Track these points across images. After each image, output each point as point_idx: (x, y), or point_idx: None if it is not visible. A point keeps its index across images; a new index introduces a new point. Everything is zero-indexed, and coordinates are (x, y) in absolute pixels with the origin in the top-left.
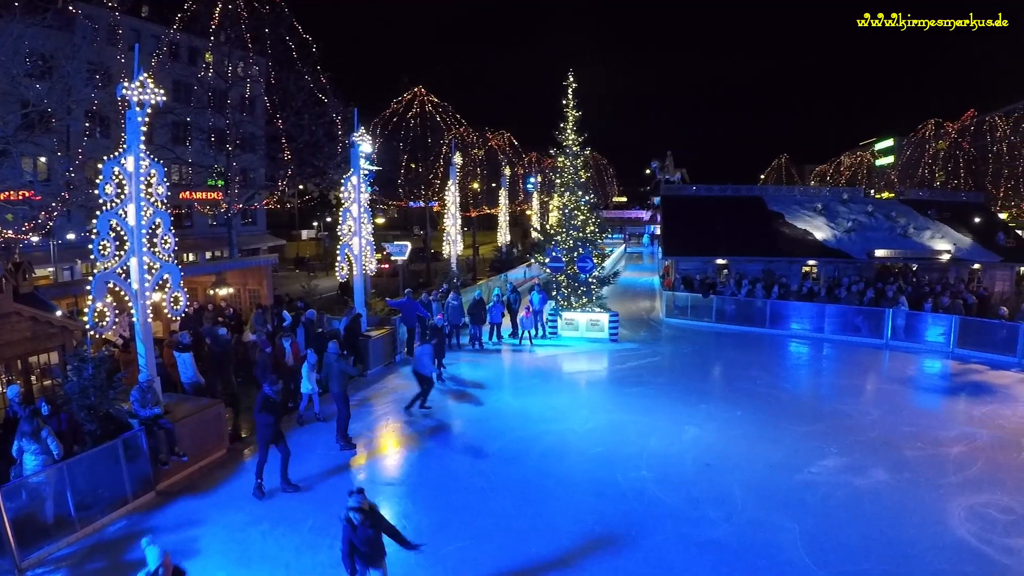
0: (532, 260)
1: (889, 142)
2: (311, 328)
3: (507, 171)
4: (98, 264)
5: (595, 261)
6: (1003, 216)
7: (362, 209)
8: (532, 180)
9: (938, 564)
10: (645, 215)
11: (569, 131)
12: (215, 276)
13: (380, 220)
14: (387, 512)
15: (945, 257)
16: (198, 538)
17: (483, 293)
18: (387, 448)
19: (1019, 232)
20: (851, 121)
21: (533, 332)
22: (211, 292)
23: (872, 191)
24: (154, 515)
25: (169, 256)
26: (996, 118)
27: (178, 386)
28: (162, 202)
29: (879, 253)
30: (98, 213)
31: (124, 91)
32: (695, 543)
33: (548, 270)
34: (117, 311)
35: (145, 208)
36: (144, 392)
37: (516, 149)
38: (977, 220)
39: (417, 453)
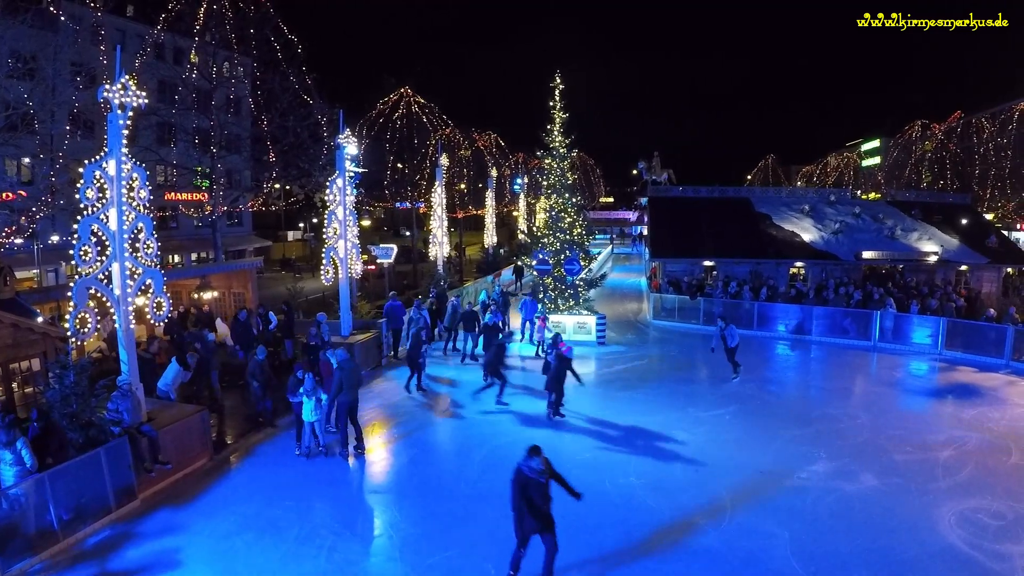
0: (518, 262)
1: (875, 143)
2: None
3: (494, 172)
4: (80, 269)
5: (582, 263)
6: (989, 217)
7: (348, 212)
8: (519, 181)
9: (928, 571)
10: (632, 216)
11: (556, 132)
12: (199, 279)
13: (366, 222)
14: (374, 521)
15: (932, 259)
16: (182, 547)
17: (462, 299)
18: (372, 455)
19: (1004, 233)
20: (836, 122)
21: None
22: (195, 295)
23: (859, 192)
24: (138, 524)
25: (152, 261)
26: (982, 120)
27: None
28: (144, 206)
29: (867, 255)
30: (79, 217)
31: (105, 93)
32: (684, 550)
33: (535, 272)
34: (99, 316)
35: (127, 212)
36: (124, 397)
37: (503, 150)
38: (964, 221)
39: (403, 460)
